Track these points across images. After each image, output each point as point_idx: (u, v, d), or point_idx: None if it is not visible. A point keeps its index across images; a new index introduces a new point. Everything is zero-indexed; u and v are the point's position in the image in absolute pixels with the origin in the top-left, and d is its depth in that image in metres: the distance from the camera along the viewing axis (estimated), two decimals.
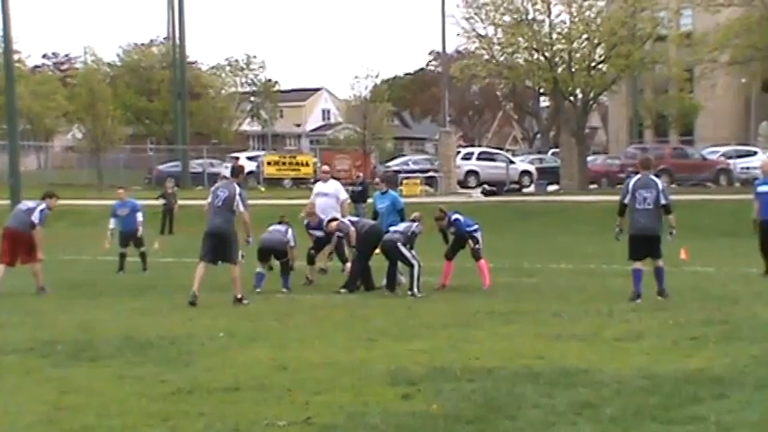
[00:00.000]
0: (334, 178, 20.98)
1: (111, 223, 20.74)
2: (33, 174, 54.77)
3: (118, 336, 11.44)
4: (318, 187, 19.51)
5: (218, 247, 14.73)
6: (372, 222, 17.49)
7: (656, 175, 14.71)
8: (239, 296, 14.67)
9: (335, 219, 17.42)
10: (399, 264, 16.12)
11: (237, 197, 14.68)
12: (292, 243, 16.64)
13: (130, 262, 20.08)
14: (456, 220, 16.58)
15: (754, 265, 17.82)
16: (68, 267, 20.63)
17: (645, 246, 14.23)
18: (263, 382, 8.71)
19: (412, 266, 15.66)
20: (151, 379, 8.98)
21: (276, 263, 16.79)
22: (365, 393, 8.24)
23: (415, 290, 15.49)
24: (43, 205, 16.65)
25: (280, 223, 17.02)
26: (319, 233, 17.45)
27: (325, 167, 23.63)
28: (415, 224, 16.26)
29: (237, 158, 54.99)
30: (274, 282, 16.51)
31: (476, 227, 16.64)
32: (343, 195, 19.25)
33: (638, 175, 14.46)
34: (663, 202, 14.16)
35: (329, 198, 18.89)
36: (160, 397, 8.25)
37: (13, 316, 13.55)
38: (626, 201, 14.31)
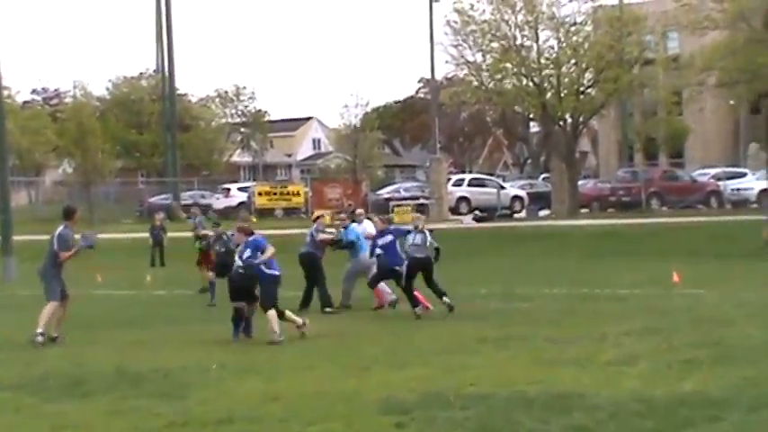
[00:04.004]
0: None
1: None
2: (24, 209, 54.58)
3: (110, 369, 11.39)
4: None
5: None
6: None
7: None
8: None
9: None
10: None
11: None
12: None
13: (121, 296, 19.99)
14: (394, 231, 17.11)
15: (747, 288, 17.81)
16: None
17: None
18: (257, 414, 8.68)
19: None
20: (145, 412, 8.95)
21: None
22: (358, 423, 8.21)
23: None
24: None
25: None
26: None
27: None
28: (423, 230, 16.47)
29: (228, 189, 55.12)
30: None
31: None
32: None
33: None
34: None
35: None
36: (154, 430, 8.21)
37: (3, 352, 13.47)
38: None
